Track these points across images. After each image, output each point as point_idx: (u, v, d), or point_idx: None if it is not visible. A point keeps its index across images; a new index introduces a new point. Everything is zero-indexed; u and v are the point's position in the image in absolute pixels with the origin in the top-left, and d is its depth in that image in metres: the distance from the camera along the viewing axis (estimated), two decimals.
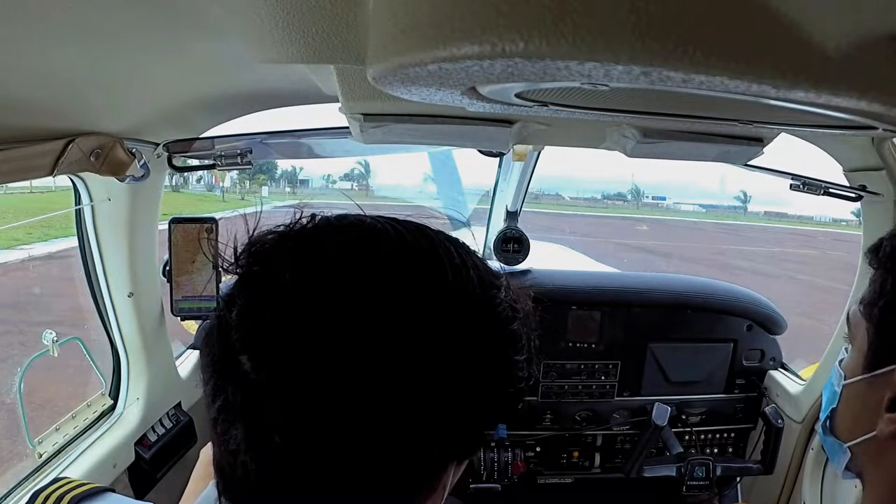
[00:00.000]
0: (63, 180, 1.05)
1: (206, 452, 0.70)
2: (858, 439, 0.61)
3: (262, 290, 0.36)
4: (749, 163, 1.15)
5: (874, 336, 0.59)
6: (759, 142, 0.91)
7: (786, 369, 1.71)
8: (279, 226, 0.39)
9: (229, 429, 0.36)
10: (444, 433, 0.38)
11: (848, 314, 0.64)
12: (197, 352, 1.44)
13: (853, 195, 1.21)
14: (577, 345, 1.64)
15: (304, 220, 0.39)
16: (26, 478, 1.03)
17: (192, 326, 1.53)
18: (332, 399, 0.34)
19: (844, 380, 0.63)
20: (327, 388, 0.34)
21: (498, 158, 1.74)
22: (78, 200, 1.09)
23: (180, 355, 1.43)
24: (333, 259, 0.37)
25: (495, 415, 0.42)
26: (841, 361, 0.65)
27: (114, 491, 0.52)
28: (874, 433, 0.58)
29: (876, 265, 0.60)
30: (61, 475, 0.68)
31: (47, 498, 0.50)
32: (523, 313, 0.43)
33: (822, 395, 0.69)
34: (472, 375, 0.38)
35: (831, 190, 1.23)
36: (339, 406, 0.35)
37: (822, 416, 0.67)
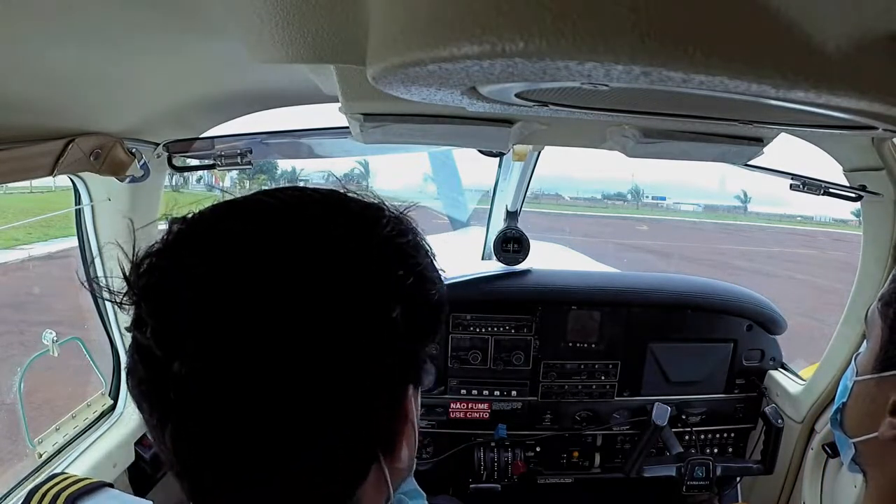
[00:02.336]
0: (63, 180, 1.05)
1: None
2: (862, 437, 0.61)
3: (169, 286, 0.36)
4: (749, 163, 1.15)
5: (888, 337, 0.59)
6: (759, 142, 0.91)
7: (786, 369, 1.70)
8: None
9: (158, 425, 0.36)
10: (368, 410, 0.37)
11: (867, 311, 0.64)
12: None
13: (853, 195, 1.21)
14: (577, 345, 1.63)
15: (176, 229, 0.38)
16: (26, 478, 1.03)
17: None
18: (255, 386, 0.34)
19: (856, 376, 0.63)
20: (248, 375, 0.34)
21: (498, 158, 1.74)
22: (78, 200, 1.09)
23: None
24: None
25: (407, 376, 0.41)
26: (857, 356, 0.65)
27: (112, 486, 0.52)
28: (876, 434, 0.58)
29: None
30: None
31: (44, 496, 0.49)
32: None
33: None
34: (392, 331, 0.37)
35: (831, 190, 1.23)
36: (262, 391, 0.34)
37: (834, 408, 0.68)
